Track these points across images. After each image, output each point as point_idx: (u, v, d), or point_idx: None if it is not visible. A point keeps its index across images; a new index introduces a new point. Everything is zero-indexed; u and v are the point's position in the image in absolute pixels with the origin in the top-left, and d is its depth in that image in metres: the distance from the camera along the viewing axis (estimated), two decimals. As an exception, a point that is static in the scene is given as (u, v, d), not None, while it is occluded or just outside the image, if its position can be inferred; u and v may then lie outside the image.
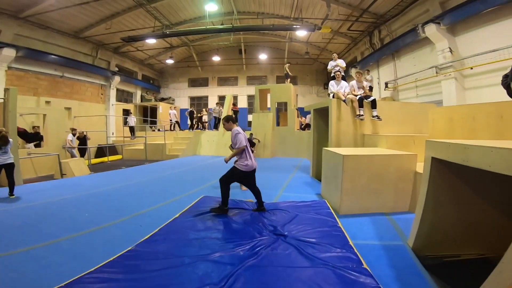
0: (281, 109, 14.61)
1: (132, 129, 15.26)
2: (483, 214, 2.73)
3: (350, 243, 2.93)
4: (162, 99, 21.06)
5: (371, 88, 10.45)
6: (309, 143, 7.51)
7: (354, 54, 17.27)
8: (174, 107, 16.91)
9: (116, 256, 2.65)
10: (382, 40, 13.78)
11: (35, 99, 11.45)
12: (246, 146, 4.01)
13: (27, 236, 3.29)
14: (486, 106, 4.45)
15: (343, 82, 6.58)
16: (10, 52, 10.71)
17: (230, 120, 4.16)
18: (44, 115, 9.88)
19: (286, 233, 3.25)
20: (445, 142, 2.54)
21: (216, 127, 14.12)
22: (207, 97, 22.45)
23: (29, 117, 9.97)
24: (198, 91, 22.82)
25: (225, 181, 4.08)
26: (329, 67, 8.09)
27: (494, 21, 7.95)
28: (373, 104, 6.02)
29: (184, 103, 22.11)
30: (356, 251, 2.74)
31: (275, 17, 15.43)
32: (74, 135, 10.14)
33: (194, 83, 23.09)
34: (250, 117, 19.34)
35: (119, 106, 17.27)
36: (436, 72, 9.75)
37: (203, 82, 22.89)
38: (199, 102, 22.37)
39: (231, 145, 5.99)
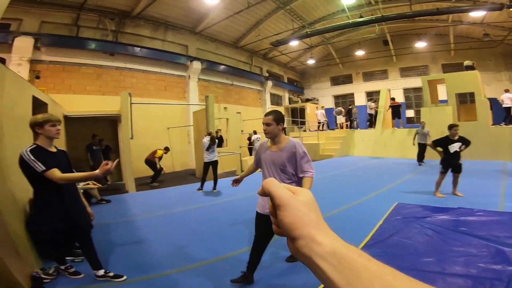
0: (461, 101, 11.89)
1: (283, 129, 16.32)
2: None
3: None
4: (307, 100, 21.59)
5: None
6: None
7: None
8: (322, 107, 16.91)
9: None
10: None
11: (216, 106, 13.96)
12: None
13: (240, 235, 3.62)
14: None
15: None
16: (197, 65, 13.03)
17: (281, 122, 2.41)
18: (227, 119, 11.88)
19: None
20: None
21: (371, 125, 13.07)
22: (352, 94, 21.35)
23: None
24: (342, 89, 22.03)
25: (267, 238, 2.47)
26: None
27: None
28: None
29: (328, 102, 21.87)
30: None
31: (429, 0, 12.79)
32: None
33: (336, 81, 22.47)
34: (408, 113, 16.98)
35: (273, 109, 18.83)
36: None
37: (346, 79, 21.90)
38: (344, 100, 21.57)
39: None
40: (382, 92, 13.47)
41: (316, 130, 14.70)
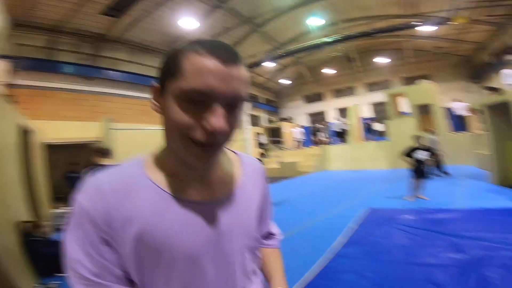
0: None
1: (262, 147, 16.67)
2: None
3: None
4: (283, 119, 22.36)
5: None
6: (487, 144, 6.27)
7: (503, 40, 13.89)
8: (299, 125, 17.63)
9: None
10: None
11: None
12: None
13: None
14: None
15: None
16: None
17: None
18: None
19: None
20: None
21: (343, 140, 13.83)
22: (324, 112, 22.47)
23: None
24: (315, 107, 23.16)
25: None
26: None
27: None
28: None
29: (303, 120, 22.78)
30: None
31: (384, 18, 14.37)
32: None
33: (309, 99, 23.61)
34: (378, 126, 18.09)
35: (252, 130, 19.25)
36: None
37: (318, 97, 23.12)
38: (317, 118, 22.61)
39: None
40: (351, 109, 14.41)
41: (294, 149, 15.25)
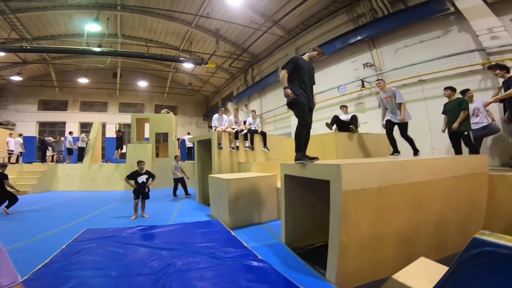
0: (159, 139, 14.38)
1: None
2: (322, 211, 3.81)
3: (245, 245, 3.73)
4: (-3, 123, 16.52)
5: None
6: (194, 172, 8.07)
7: (231, 89, 19.26)
8: (20, 135, 13.66)
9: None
10: (253, 78, 16.17)
11: None
12: None
13: None
14: (315, 137, 5.98)
15: (224, 116, 7.69)
16: None
17: None
18: None
19: (192, 245, 3.75)
20: (290, 163, 3.73)
21: (80, 158, 12.37)
22: (64, 123, 19.23)
23: None
24: (53, 116, 19.28)
25: None
26: None
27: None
28: (264, 138, 7.56)
29: (30, 129, 18.03)
30: (251, 249, 3.55)
31: (164, 46, 15.67)
32: None
33: (47, 105, 19.41)
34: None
35: None
36: (288, 109, 12.50)
37: (60, 106, 19.61)
38: (52, 129, 18.80)
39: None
40: (95, 125, 13.42)
41: (3, 163, 11.52)
